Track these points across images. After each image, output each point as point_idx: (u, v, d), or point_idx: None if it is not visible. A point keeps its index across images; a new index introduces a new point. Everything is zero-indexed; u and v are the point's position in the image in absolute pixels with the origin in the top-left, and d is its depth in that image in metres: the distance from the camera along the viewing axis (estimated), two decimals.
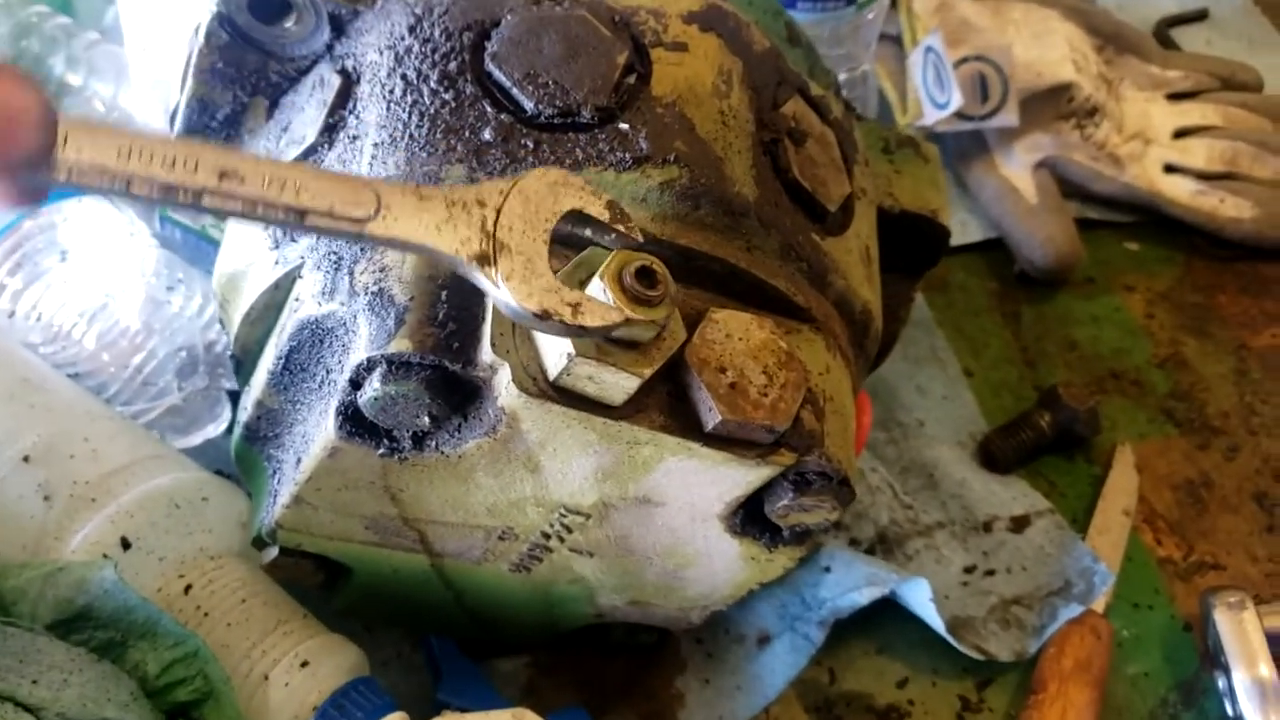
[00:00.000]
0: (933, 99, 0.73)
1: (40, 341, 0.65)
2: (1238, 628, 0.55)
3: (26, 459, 0.53)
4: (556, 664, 0.58)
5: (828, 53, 0.70)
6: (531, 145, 0.43)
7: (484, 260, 0.37)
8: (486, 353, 0.40)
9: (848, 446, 0.47)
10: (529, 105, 0.44)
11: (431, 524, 0.47)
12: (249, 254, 0.48)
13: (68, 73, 0.71)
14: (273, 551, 0.50)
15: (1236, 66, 0.82)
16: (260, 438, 0.49)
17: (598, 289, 0.39)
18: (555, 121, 0.44)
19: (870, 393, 0.68)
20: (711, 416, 0.41)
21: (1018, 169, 0.75)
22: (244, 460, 0.51)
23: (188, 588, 0.53)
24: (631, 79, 0.45)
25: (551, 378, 0.40)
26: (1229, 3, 0.89)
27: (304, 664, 0.51)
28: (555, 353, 0.39)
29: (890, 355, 0.69)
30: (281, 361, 0.45)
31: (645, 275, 0.39)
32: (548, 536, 0.48)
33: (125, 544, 0.52)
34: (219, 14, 0.49)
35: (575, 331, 0.38)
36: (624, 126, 0.44)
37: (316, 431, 0.44)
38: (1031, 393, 0.68)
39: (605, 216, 0.39)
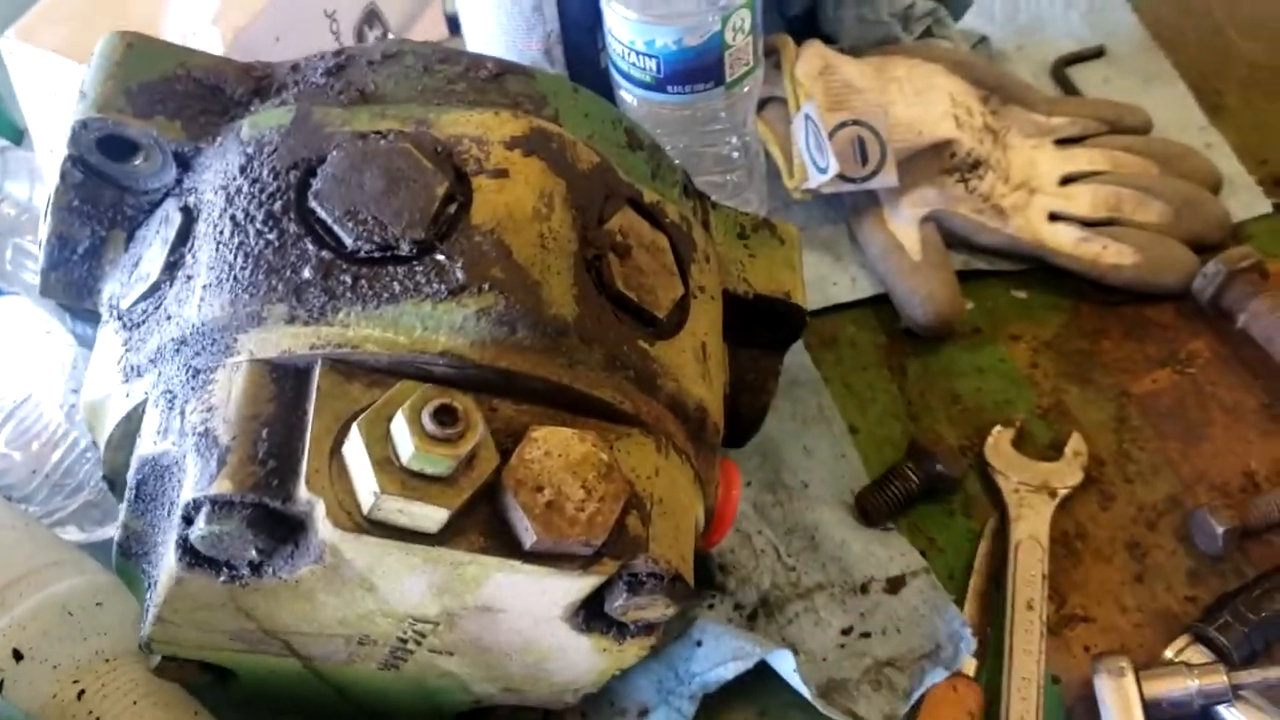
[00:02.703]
0: (815, 163, 0.74)
1: None
2: (1118, 694, 0.58)
3: None
4: None
5: (707, 128, 0.72)
6: (350, 281, 0.46)
7: None
8: (303, 489, 0.42)
9: (681, 543, 0.49)
10: (349, 241, 0.46)
11: (291, 634, 0.50)
12: (106, 385, 0.50)
13: None
14: (156, 658, 0.53)
15: (1124, 109, 0.83)
16: (133, 554, 0.52)
17: (399, 427, 0.42)
18: (375, 256, 0.46)
19: (760, 454, 0.70)
20: (528, 536, 0.44)
21: (904, 224, 0.77)
22: (124, 574, 0.54)
23: (80, 693, 0.55)
24: (452, 208, 0.47)
25: (365, 512, 0.42)
26: (1126, 39, 0.90)
27: None
28: (365, 489, 0.42)
29: (780, 416, 0.72)
30: (134, 491, 0.48)
31: (445, 413, 0.42)
32: (404, 641, 0.50)
33: (18, 655, 0.55)
34: (71, 155, 0.52)
35: None
36: (441, 257, 0.46)
37: (166, 559, 0.46)
38: None
39: None
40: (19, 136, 0.84)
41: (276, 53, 0.69)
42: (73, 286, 0.54)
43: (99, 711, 0.55)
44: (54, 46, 0.71)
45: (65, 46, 0.71)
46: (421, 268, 0.46)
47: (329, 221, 0.46)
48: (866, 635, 0.63)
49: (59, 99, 0.72)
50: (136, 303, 0.50)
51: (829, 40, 0.81)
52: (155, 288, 0.49)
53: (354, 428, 0.42)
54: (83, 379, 0.70)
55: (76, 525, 0.68)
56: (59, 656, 0.56)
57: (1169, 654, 0.60)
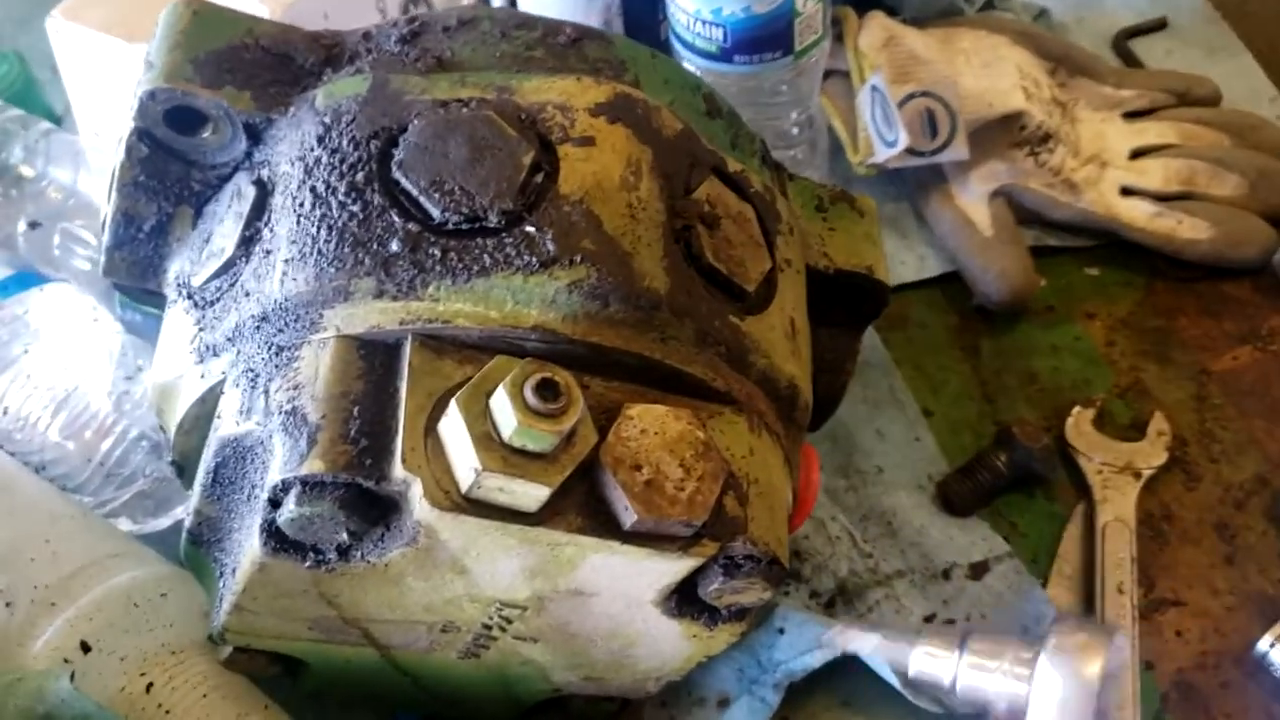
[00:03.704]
0: (882, 137, 0.72)
1: (8, 433, 0.66)
2: None
3: None
4: None
5: (770, 101, 0.70)
6: (439, 254, 0.44)
7: None
8: (399, 468, 0.40)
9: (777, 526, 0.47)
10: (436, 213, 0.44)
11: (372, 622, 0.48)
12: (178, 366, 0.49)
13: (23, 164, 0.72)
14: (227, 650, 0.51)
15: (1192, 80, 0.81)
16: (204, 542, 0.50)
17: (501, 402, 0.40)
18: (463, 228, 0.44)
19: (831, 439, 0.69)
20: (628, 516, 0.42)
21: (974, 200, 0.75)
22: (193, 562, 0.52)
23: (149, 686, 0.54)
24: (539, 178, 0.45)
25: (463, 491, 0.40)
26: (1188, 10, 0.88)
27: None
28: (464, 467, 0.40)
29: (851, 399, 0.70)
30: (210, 475, 0.46)
31: (547, 387, 0.40)
32: (489, 628, 0.48)
33: (85, 647, 0.53)
34: (137, 128, 0.50)
35: None
36: (530, 229, 0.44)
37: (247, 544, 0.44)
38: (991, 429, 0.68)
39: None
40: (57, 120, 0.82)
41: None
42: (137, 266, 0.52)
43: (168, 704, 0.53)
44: (99, 25, 0.70)
45: (111, 24, 0.69)
46: (511, 239, 0.44)
47: (414, 192, 0.44)
48: (950, 622, 0.61)
49: (105, 78, 0.71)
50: (209, 280, 0.48)
51: (891, 12, 0.79)
52: (230, 264, 0.47)
53: (451, 404, 0.40)
54: (131, 366, 0.69)
55: (129, 517, 0.66)
56: (126, 648, 0.54)
57: (1269, 638, 0.58)
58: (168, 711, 0.53)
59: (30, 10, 0.74)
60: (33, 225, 0.71)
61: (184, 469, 0.52)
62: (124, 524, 0.65)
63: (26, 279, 0.73)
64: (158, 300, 0.55)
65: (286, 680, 0.54)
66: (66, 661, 0.53)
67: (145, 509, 0.66)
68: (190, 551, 0.51)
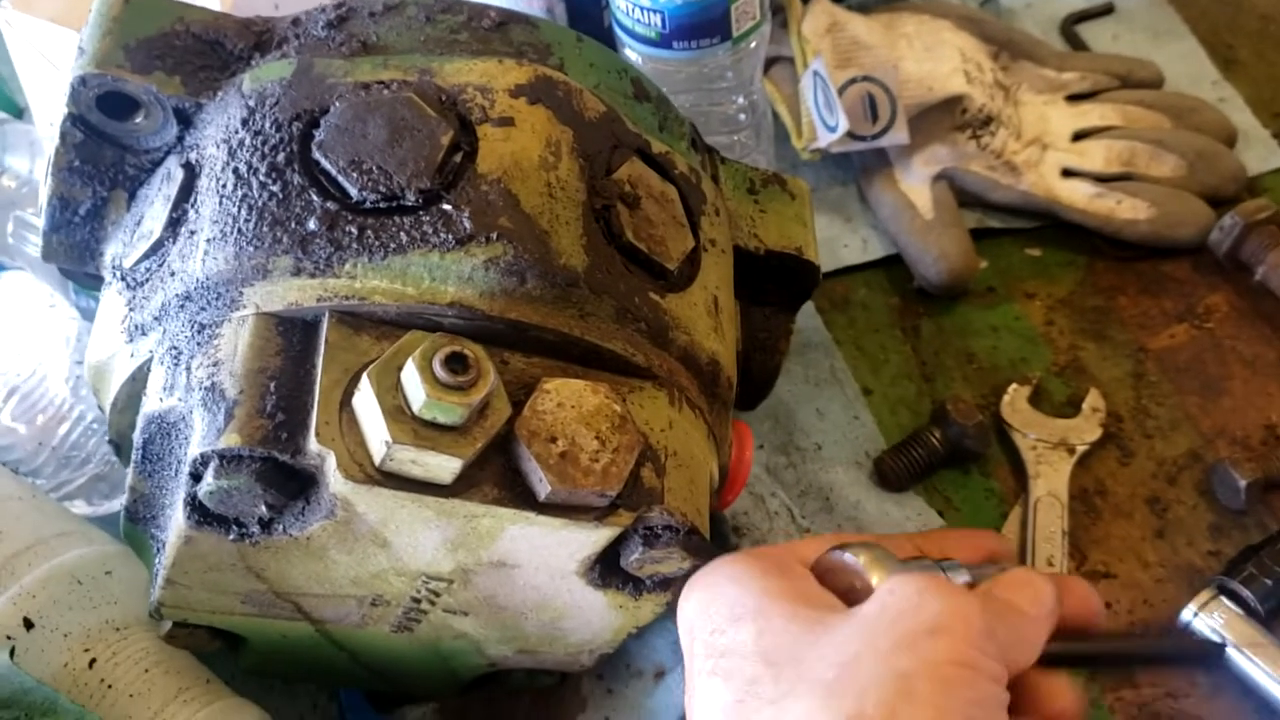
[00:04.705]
0: (824, 121, 0.73)
1: None
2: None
3: None
4: (464, 708, 0.60)
5: (713, 86, 0.71)
6: (356, 232, 0.45)
7: None
8: (313, 441, 0.41)
9: (696, 497, 0.48)
10: (354, 191, 0.45)
11: (302, 596, 0.49)
12: (110, 346, 0.50)
13: None
14: (166, 625, 0.52)
15: (1134, 64, 0.82)
16: (141, 518, 0.51)
17: (410, 375, 0.41)
18: (380, 206, 0.45)
19: (772, 418, 0.70)
20: (543, 487, 0.43)
21: (916, 183, 0.76)
22: (132, 539, 0.53)
23: (92, 661, 0.55)
24: (457, 158, 0.46)
25: (376, 463, 0.41)
26: None
27: None
28: (376, 440, 0.41)
29: (793, 379, 0.71)
30: (140, 452, 0.47)
31: (456, 360, 0.41)
32: (418, 601, 0.49)
33: (28, 624, 0.54)
34: (71, 114, 0.51)
35: None
36: (447, 207, 0.45)
37: (175, 518, 0.45)
38: (929, 408, 0.69)
39: None
40: (19, 113, 0.83)
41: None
42: (75, 249, 0.53)
43: (111, 679, 0.54)
44: (51, 15, 0.70)
45: (62, 15, 0.70)
46: (428, 217, 0.45)
47: (333, 172, 0.45)
48: None
49: (57, 69, 0.72)
50: (139, 261, 0.49)
51: None
52: (158, 245, 0.48)
53: (364, 378, 0.41)
54: (77, 357, 0.70)
55: (84, 499, 0.67)
56: (69, 625, 0.55)
57: (1193, 608, 0.59)
58: (110, 686, 0.54)
59: None
60: None
61: (121, 447, 0.53)
62: (80, 506, 0.66)
63: None
64: (100, 286, 0.56)
65: (229, 655, 0.55)
66: (9, 638, 0.54)
67: (100, 491, 0.67)
68: (129, 529, 0.52)
